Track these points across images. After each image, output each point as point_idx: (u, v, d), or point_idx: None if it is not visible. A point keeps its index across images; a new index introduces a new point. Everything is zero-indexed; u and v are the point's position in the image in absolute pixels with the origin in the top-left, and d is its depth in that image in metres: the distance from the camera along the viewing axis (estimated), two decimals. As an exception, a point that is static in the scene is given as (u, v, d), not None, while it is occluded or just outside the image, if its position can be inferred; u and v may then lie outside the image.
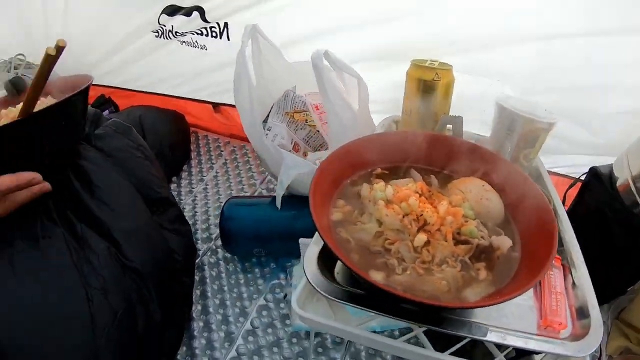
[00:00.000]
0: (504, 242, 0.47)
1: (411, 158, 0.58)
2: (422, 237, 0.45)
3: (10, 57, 1.49)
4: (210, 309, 0.82)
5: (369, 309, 0.42)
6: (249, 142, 0.83)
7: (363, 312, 0.44)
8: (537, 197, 0.49)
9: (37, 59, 1.54)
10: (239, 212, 0.88)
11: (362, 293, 0.44)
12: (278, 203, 0.82)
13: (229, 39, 1.04)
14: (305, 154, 0.93)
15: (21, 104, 0.61)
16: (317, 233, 0.45)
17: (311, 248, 0.48)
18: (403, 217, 0.47)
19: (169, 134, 1.16)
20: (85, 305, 0.56)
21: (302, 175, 0.79)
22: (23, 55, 1.50)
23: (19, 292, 0.54)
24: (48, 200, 0.63)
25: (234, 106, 0.92)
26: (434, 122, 0.73)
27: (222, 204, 0.89)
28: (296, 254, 0.71)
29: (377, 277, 0.43)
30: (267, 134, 0.92)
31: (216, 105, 1.24)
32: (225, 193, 1.11)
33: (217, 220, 0.89)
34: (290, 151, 0.89)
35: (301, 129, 0.94)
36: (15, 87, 0.76)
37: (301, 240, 0.67)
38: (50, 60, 0.55)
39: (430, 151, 0.58)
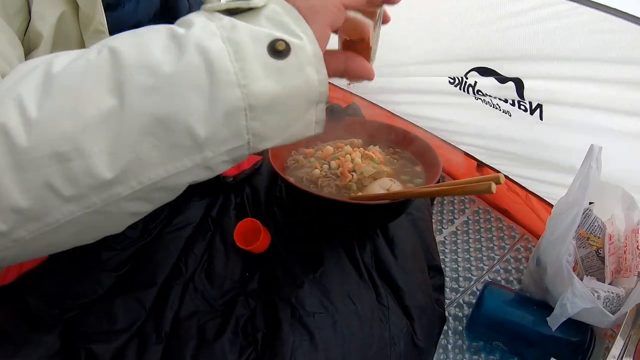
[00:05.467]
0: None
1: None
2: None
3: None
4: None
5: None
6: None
7: None
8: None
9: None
10: (498, 303, 0.80)
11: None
12: (554, 326, 0.71)
13: (541, 119, 0.90)
14: (580, 277, 0.78)
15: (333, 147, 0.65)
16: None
17: None
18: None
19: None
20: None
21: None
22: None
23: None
24: (360, 253, 0.61)
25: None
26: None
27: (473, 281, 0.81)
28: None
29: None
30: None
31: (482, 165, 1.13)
32: (463, 257, 1.02)
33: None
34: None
35: (583, 247, 0.80)
36: (331, 115, 0.75)
37: None
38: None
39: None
